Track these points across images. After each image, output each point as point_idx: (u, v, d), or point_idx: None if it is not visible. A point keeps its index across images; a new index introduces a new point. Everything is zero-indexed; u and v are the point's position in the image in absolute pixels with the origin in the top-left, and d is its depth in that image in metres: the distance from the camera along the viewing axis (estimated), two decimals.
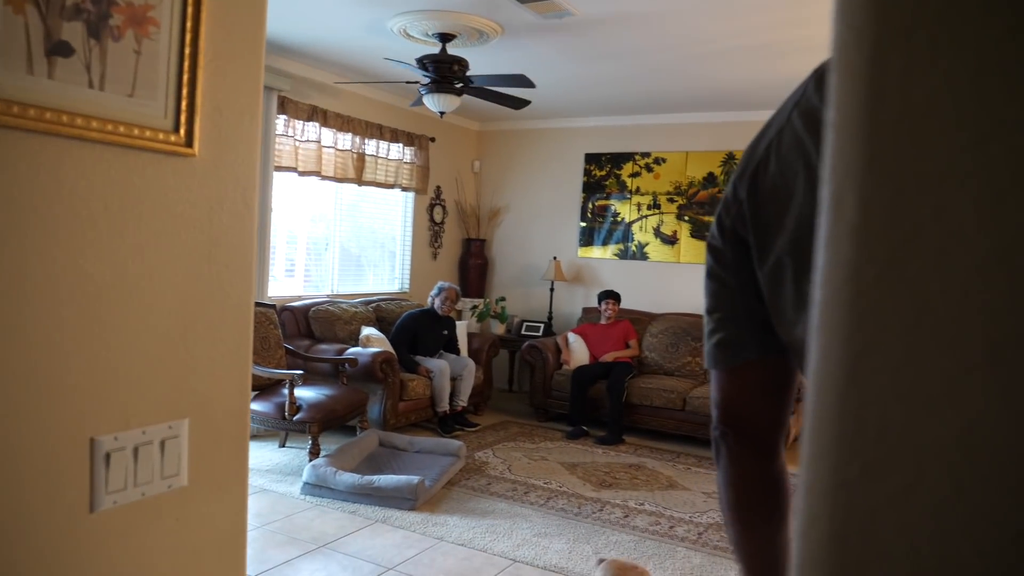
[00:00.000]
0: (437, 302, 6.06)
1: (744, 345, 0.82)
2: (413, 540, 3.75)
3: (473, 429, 5.93)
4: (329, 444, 5.10)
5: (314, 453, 4.59)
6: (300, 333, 5.74)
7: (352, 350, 5.42)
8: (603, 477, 4.91)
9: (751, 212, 0.79)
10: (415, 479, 4.19)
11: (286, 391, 4.55)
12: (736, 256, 0.81)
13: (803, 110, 0.81)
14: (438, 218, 7.39)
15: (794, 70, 5.08)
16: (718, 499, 0.91)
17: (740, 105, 6.20)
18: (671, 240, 6.82)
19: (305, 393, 4.73)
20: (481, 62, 4.99)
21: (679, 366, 6.34)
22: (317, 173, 5.79)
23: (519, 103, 4.86)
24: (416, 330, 5.94)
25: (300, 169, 5.64)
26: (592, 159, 7.21)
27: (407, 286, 7.13)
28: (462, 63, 4.36)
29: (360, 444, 4.85)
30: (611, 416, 5.83)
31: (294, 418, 4.54)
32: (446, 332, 6.11)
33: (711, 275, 0.86)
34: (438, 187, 7.35)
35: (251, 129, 1.24)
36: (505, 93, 4.70)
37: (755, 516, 0.84)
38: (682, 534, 4.00)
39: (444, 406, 5.74)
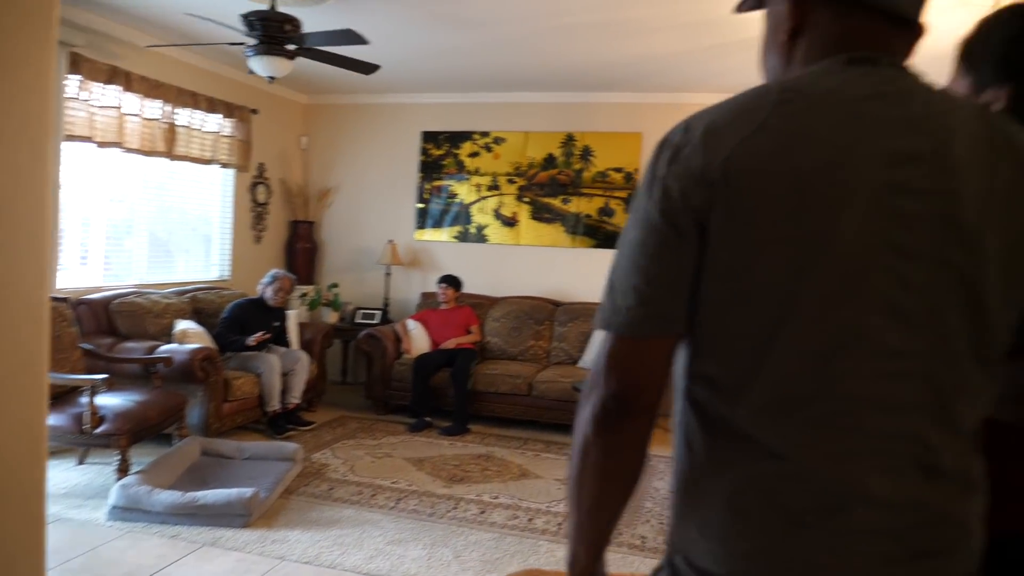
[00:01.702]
0: (269, 292, 5.50)
1: (677, 319, 0.81)
2: (250, 563, 3.28)
3: (308, 428, 5.44)
4: (142, 458, 4.43)
5: (123, 470, 3.94)
6: (101, 330, 4.96)
7: (166, 347, 4.75)
8: (453, 471, 4.65)
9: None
10: (247, 491, 3.70)
11: (85, 399, 3.85)
12: (690, 228, 0.78)
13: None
14: (262, 198, 6.73)
15: (635, 51, 5.03)
16: (584, 465, 0.86)
17: (581, 86, 6.11)
18: (511, 222, 6.66)
19: (109, 400, 4.05)
20: (313, 26, 4.48)
21: (523, 350, 6.20)
22: (119, 144, 5.00)
23: (368, 68, 4.37)
24: (244, 321, 5.37)
25: (98, 139, 4.83)
26: (430, 137, 6.87)
27: (227, 273, 6.43)
28: (294, 22, 3.85)
29: (179, 455, 4.25)
30: (456, 405, 5.58)
31: (96, 431, 3.86)
32: (277, 324, 5.57)
33: (664, 243, 0.80)
34: (261, 164, 6.69)
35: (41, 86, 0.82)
36: (350, 58, 4.22)
37: (633, 482, 0.85)
38: (542, 526, 3.83)
39: (275, 405, 5.21)
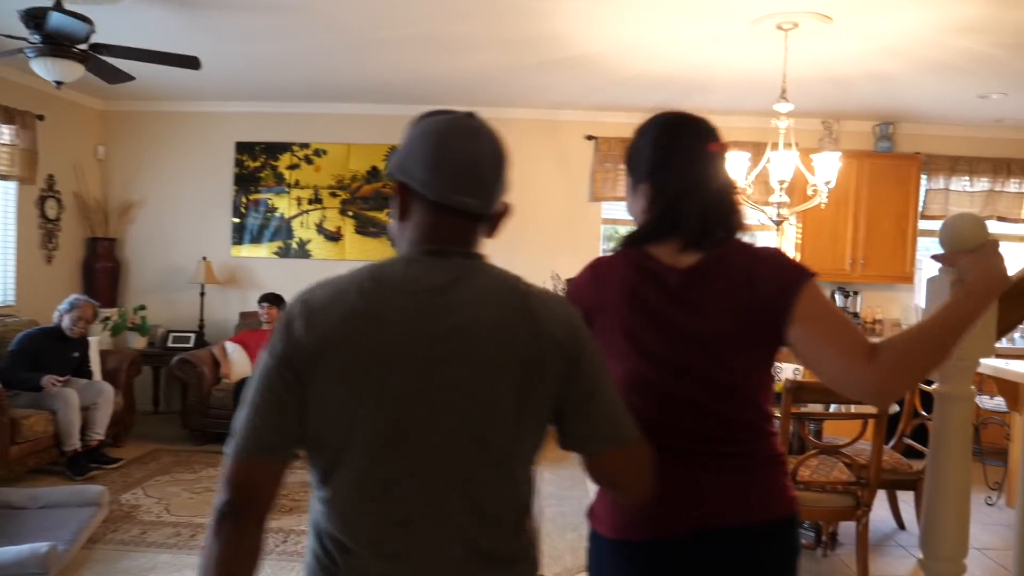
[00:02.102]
0: (67, 320, 4.95)
1: (286, 446, 1.05)
2: None
3: (115, 466, 4.96)
4: None
5: None
6: None
7: None
8: (281, 501, 4.42)
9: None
10: (42, 546, 3.28)
11: None
12: (295, 382, 1.04)
13: None
14: (52, 213, 6.07)
15: (459, 66, 5.07)
16: (210, 555, 1.03)
17: (404, 99, 6.06)
18: (335, 236, 6.48)
19: None
20: (108, 27, 4.10)
21: None
22: None
23: (190, 61, 3.92)
24: (37, 354, 4.80)
25: None
26: (245, 148, 6.52)
27: (12, 298, 5.73)
28: (87, 22, 3.49)
29: None
30: None
31: None
32: (76, 354, 5.03)
33: (274, 390, 1.04)
34: (51, 176, 6.04)
35: None
36: (167, 52, 3.83)
37: (245, 571, 1.03)
38: None
39: (74, 443, 4.69)
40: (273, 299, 5.87)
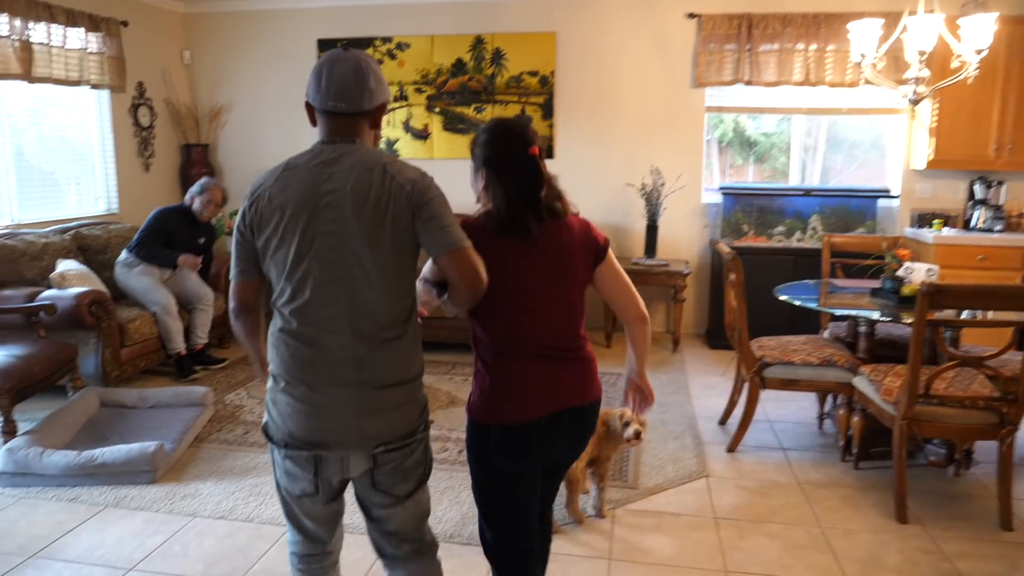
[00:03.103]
0: (197, 203, 5.05)
1: (253, 271, 1.78)
2: (158, 523, 3.06)
3: (220, 366, 5.15)
4: (34, 414, 4.10)
5: (9, 432, 3.62)
6: None
7: (48, 293, 4.33)
8: None
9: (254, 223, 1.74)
10: (150, 445, 3.44)
11: None
12: (249, 234, 1.75)
13: None
14: (145, 121, 6.16)
15: None
16: (236, 333, 1.88)
17: None
18: (422, 135, 6.31)
19: None
20: None
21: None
22: None
23: None
24: (170, 233, 4.96)
25: None
26: (327, 46, 6.36)
27: (115, 206, 5.91)
28: None
29: (74, 410, 3.93)
30: None
31: None
32: (203, 240, 5.20)
33: (241, 241, 1.77)
34: (140, 83, 6.09)
35: None
36: None
37: (258, 335, 1.88)
38: None
39: (177, 346, 4.87)
40: None
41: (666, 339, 6.03)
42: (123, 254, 4.94)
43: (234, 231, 1.76)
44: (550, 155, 6.15)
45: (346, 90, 1.70)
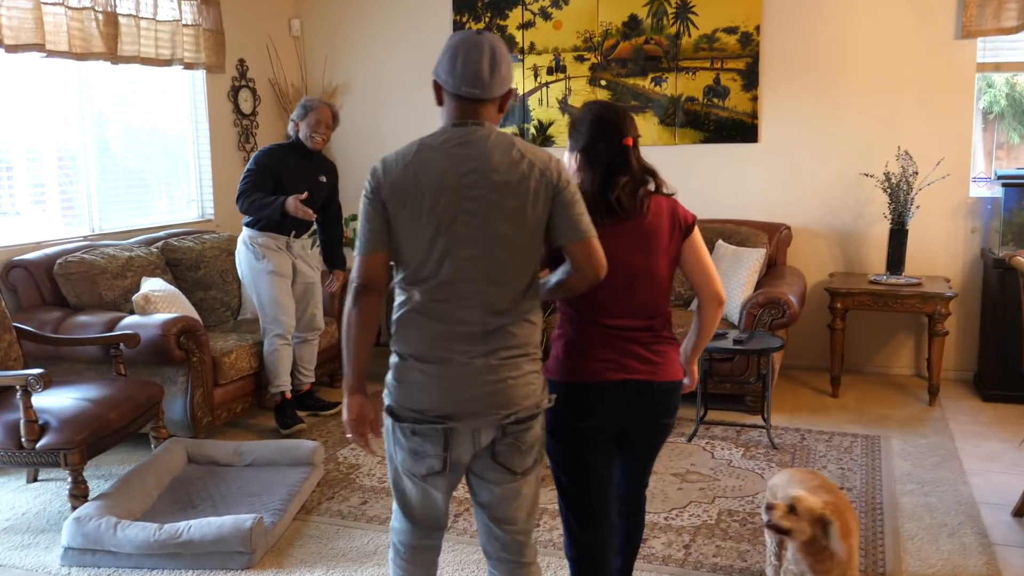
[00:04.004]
0: (303, 128, 4.69)
1: (387, 245, 2.08)
2: None
3: (330, 412, 5.01)
4: (110, 469, 4.07)
5: (79, 496, 3.55)
6: (45, 301, 4.58)
7: (129, 320, 4.31)
8: None
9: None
10: (247, 519, 3.28)
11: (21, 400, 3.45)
12: (381, 207, 2.08)
13: None
14: (247, 107, 6.23)
15: None
16: (349, 322, 2.12)
17: None
18: None
19: (55, 400, 3.64)
20: None
21: None
22: (38, 47, 4.48)
23: None
24: (280, 172, 4.61)
25: (5, 41, 4.31)
26: (464, 6, 6.26)
27: (210, 211, 5.98)
28: None
29: (156, 467, 3.87)
30: None
31: (37, 445, 3.46)
32: (324, 179, 4.86)
33: (371, 213, 2.08)
34: (241, 61, 6.17)
35: None
36: None
37: (372, 328, 2.14)
38: (661, 550, 3.30)
39: (284, 383, 4.73)
40: None
41: (917, 386, 5.37)
42: (243, 232, 4.74)
43: (363, 203, 2.09)
44: (753, 138, 5.71)
45: (480, 76, 2.06)
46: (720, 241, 5.35)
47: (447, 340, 2.05)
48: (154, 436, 4.10)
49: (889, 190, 5.18)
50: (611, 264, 2.16)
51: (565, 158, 2.39)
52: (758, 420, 4.65)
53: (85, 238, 5.03)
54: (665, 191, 2.41)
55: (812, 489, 2.65)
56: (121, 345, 4.09)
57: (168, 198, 5.78)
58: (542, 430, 2.21)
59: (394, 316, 2.13)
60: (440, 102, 2.13)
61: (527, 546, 2.26)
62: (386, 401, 2.14)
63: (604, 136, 2.33)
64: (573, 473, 2.40)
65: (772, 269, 5.42)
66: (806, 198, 5.67)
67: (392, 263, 2.13)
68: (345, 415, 2.17)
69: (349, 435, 2.18)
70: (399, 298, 2.12)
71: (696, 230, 2.39)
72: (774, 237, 5.49)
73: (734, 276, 5.07)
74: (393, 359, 2.14)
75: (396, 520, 2.29)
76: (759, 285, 5.08)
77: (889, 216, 5.22)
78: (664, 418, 2.42)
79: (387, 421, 2.15)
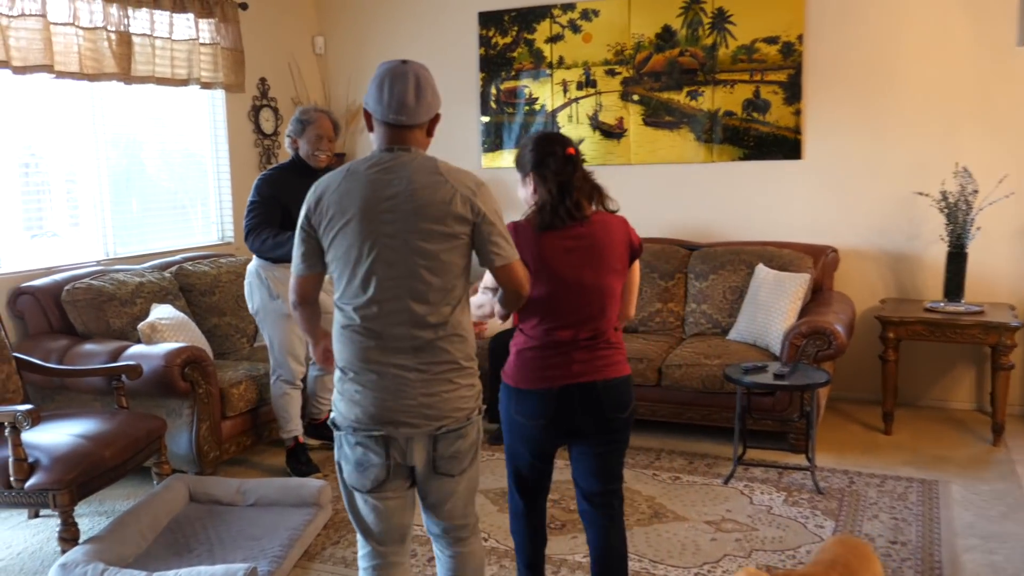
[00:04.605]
0: (303, 146, 4.22)
1: (318, 265, 2.32)
2: None
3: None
4: (114, 504, 3.88)
5: (69, 539, 3.35)
6: (53, 328, 4.43)
7: (133, 350, 4.14)
8: (553, 510, 3.85)
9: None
10: (239, 570, 3.04)
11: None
12: (312, 232, 2.30)
13: None
14: (268, 127, 6.10)
15: None
16: (296, 319, 2.49)
17: None
18: (616, 132, 5.81)
19: (48, 436, 3.46)
20: None
21: (645, 318, 5.31)
22: (47, 68, 4.36)
23: None
24: (287, 201, 4.05)
25: (14, 63, 4.19)
26: (491, 20, 6.07)
27: (230, 234, 5.84)
28: None
29: (154, 506, 3.68)
30: None
31: (26, 485, 3.27)
32: None
33: (304, 237, 2.30)
34: (263, 80, 6.06)
35: None
36: None
37: (317, 321, 2.49)
38: None
39: (295, 429, 4.45)
40: None
41: (979, 423, 4.98)
42: (254, 260, 4.38)
43: (298, 227, 2.30)
44: (797, 154, 5.40)
45: (405, 104, 2.23)
46: (760, 265, 5.02)
47: (381, 354, 2.23)
48: (156, 472, 3.93)
49: (946, 210, 4.81)
50: (562, 281, 2.51)
51: (520, 191, 2.67)
52: (802, 460, 4.31)
53: (98, 262, 4.89)
54: (611, 207, 2.66)
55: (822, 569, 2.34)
56: (123, 376, 3.91)
57: (186, 221, 5.64)
58: (478, 434, 2.39)
59: (334, 333, 2.32)
60: (370, 129, 2.33)
61: (467, 526, 2.48)
62: (332, 415, 2.33)
63: (549, 151, 2.58)
64: (520, 459, 2.72)
65: (817, 295, 5.08)
66: (854, 218, 5.32)
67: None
68: (314, 352, 2.54)
69: (319, 361, 2.54)
70: (337, 315, 2.30)
71: (638, 257, 2.72)
72: (819, 260, 5.15)
73: (775, 303, 4.74)
74: (336, 374, 2.32)
75: (360, 547, 2.44)
76: (803, 313, 4.74)
77: (946, 238, 4.85)
78: (614, 412, 2.63)
79: (335, 436, 2.34)
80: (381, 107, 2.24)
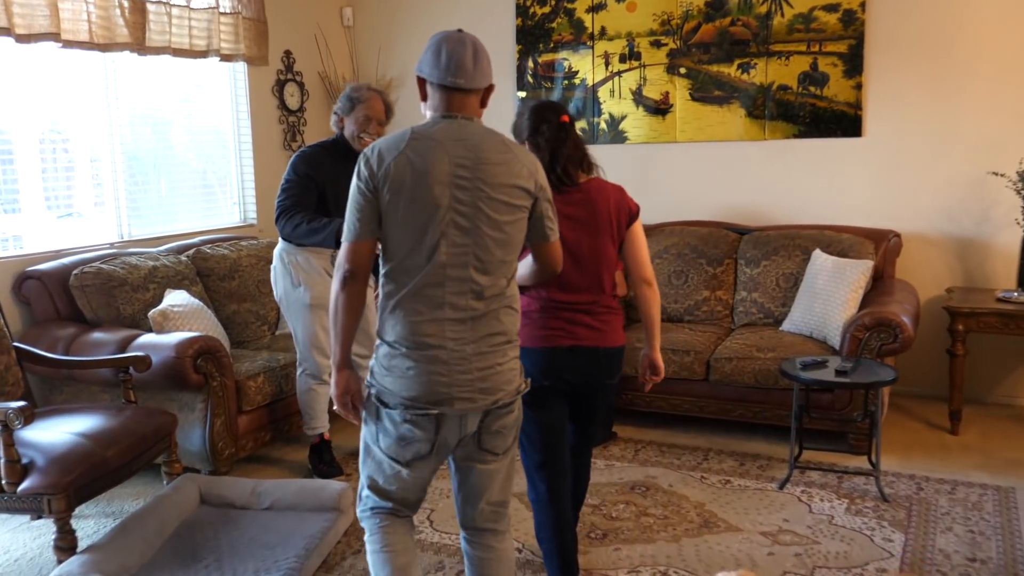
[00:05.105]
0: (349, 124, 3.94)
1: (374, 233, 2.22)
2: None
3: None
4: (122, 504, 3.64)
5: (65, 548, 3.08)
6: (60, 315, 4.19)
7: (143, 339, 3.87)
8: (592, 519, 3.54)
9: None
10: None
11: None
12: (372, 196, 2.20)
13: None
14: (293, 102, 5.86)
15: None
16: (337, 306, 2.24)
17: None
18: (660, 108, 5.51)
19: (46, 434, 3.20)
20: None
21: (691, 307, 4.98)
22: (53, 35, 4.09)
23: None
24: (323, 183, 3.88)
25: (17, 30, 3.92)
26: None
27: (252, 215, 5.58)
28: None
29: (162, 508, 3.42)
30: None
31: (19, 489, 3.00)
32: None
33: (361, 201, 2.20)
34: (287, 53, 5.82)
35: None
36: None
37: (359, 315, 2.28)
38: None
39: (321, 425, 4.15)
40: None
41: None
42: (279, 243, 4.11)
43: (353, 191, 2.20)
44: (857, 132, 5.05)
45: (464, 67, 2.22)
46: (818, 251, 4.65)
47: (437, 327, 2.19)
48: (166, 471, 3.66)
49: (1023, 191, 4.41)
50: (563, 244, 2.54)
51: None
52: (863, 462, 3.95)
53: (111, 245, 4.63)
54: (597, 172, 2.81)
55: None
56: (130, 368, 3.64)
57: (205, 202, 5.38)
58: (519, 411, 2.39)
59: (382, 304, 2.25)
60: (424, 97, 2.30)
61: (503, 516, 2.47)
62: (372, 389, 2.26)
63: (544, 119, 2.73)
64: (533, 423, 2.76)
65: (879, 283, 4.71)
66: (919, 200, 4.95)
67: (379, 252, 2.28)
68: (333, 390, 2.33)
69: (337, 407, 2.34)
70: (387, 287, 2.23)
71: (639, 219, 2.83)
72: (881, 246, 4.77)
73: (835, 292, 4.37)
74: (381, 348, 2.25)
75: (368, 498, 2.38)
76: (864, 303, 4.36)
77: (1022, 222, 4.44)
78: (607, 378, 2.85)
79: (372, 407, 2.28)
80: (438, 71, 2.23)
